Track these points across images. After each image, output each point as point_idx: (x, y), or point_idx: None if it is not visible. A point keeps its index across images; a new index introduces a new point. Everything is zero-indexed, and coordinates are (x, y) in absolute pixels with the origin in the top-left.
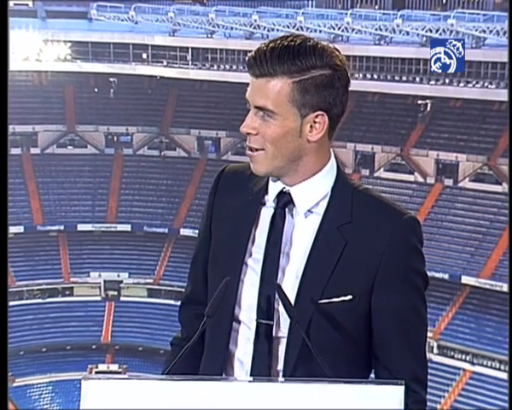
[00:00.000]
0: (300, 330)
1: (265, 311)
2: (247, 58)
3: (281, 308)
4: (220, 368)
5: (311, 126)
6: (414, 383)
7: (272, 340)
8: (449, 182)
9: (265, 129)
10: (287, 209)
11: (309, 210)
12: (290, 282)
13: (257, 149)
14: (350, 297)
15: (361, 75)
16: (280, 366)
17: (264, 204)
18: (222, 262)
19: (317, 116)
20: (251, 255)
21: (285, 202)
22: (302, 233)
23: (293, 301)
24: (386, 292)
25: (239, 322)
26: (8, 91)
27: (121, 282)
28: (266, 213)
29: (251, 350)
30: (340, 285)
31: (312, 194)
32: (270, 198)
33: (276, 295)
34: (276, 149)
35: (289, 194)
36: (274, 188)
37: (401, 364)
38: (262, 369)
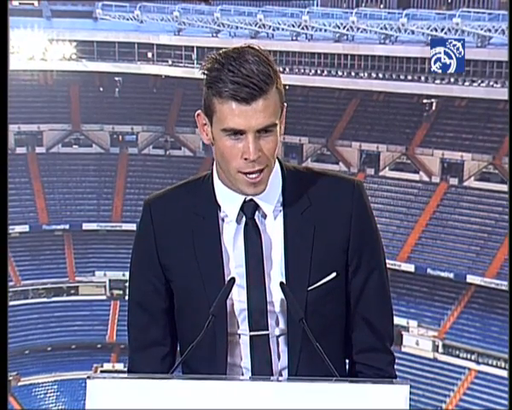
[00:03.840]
0: (306, 329)
1: (258, 321)
2: (228, 90)
3: (276, 309)
4: None
5: (280, 121)
6: (389, 343)
7: (269, 347)
8: (454, 181)
9: (267, 145)
10: (256, 217)
11: (274, 210)
12: (278, 282)
13: (262, 170)
14: (334, 274)
15: (366, 74)
16: (281, 366)
17: (223, 220)
18: (201, 288)
19: (283, 109)
20: (230, 273)
21: (252, 211)
22: (275, 233)
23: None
24: (360, 259)
25: (228, 333)
26: (7, 91)
27: (126, 281)
28: (230, 229)
29: (248, 360)
30: (322, 268)
31: (273, 193)
32: (230, 212)
33: (268, 298)
34: (273, 159)
35: (253, 201)
36: (231, 201)
37: (382, 325)
38: (263, 375)
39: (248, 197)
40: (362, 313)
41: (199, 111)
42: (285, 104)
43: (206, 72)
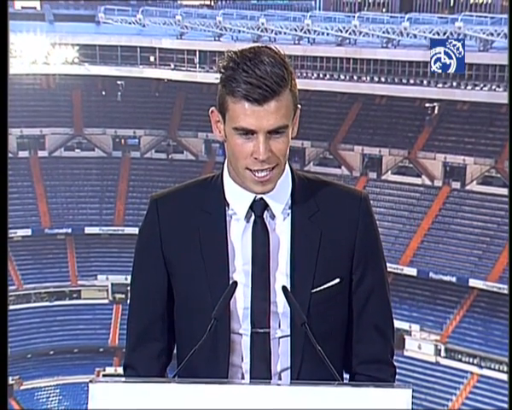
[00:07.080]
0: (308, 333)
1: (260, 320)
2: (241, 90)
3: (279, 309)
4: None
5: (293, 123)
6: (391, 355)
7: (270, 346)
8: (456, 185)
9: (278, 146)
10: (265, 216)
11: (282, 211)
12: (282, 283)
13: (271, 169)
14: (338, 280)
15: (368, 78)
16: (281, 367)
17: (231, 217)
18: (205, 284)
19: (296, 111)
20: (235, 270)
21: (261, 210)
22: (282, 234)
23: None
24: (365, 269)
25: (230, 332)
26: (7, 93)
27: (129, 285)
28: (238, 226)
29: (248, 360)
30: (326, 272)
31: (283, 194)
32: (239, 210)
33: (272, 298)
34: (284, 159)
35: (263, 201)
36: (240, 199)
37: (385, 338)
38: (261, 375)
39: (258, 196)
40: (365, 325)
41: (213, 108)
42: (299, 106)
43: (221, 70)
